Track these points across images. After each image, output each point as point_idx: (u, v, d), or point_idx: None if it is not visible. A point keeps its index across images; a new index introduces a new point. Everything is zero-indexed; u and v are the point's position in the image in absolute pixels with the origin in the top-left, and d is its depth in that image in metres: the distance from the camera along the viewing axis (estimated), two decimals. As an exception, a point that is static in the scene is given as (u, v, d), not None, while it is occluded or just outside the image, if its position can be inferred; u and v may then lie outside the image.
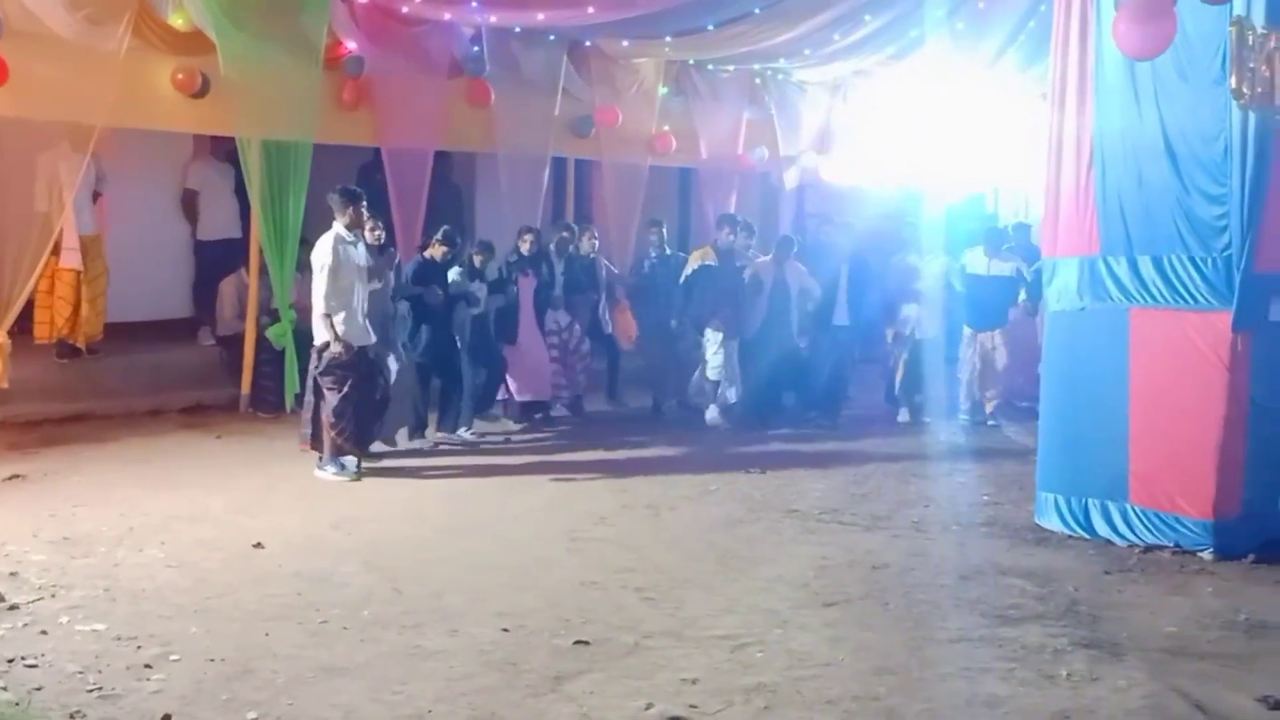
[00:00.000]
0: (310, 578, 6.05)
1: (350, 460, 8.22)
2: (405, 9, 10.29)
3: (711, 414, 10.53)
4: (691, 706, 4.62)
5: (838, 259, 10.93)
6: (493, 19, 10.77)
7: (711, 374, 10.50)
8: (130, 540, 6.58)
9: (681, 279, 10.46)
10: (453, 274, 9.34)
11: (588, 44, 11.98)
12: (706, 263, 10.40)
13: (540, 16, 10.59)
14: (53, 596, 5.64)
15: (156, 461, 8.45)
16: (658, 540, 6.99)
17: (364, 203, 8.32)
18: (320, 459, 8.16)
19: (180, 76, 9.17)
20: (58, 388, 9.60)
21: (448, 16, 10.64)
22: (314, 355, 8.19)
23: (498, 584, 6.05)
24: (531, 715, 4.53)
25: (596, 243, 10.97)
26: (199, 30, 9.16)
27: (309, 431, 8.32)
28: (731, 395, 10.53)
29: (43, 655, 4.92)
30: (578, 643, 5.24)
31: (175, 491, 7.60)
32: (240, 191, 10.38)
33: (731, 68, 13.34)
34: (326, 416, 8.09)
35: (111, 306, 10.37)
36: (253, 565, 6.24)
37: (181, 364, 10.55)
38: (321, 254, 8.03)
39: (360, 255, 8.23)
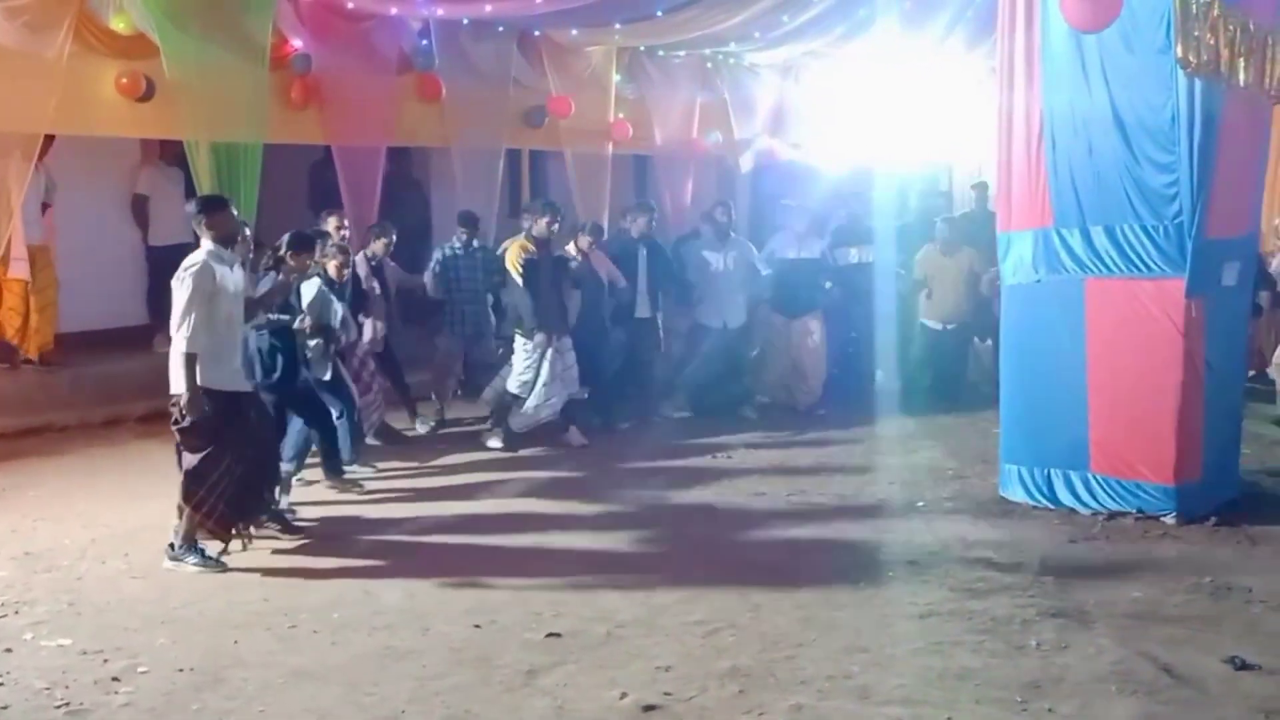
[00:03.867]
0: (277, 583, 6.01)
1: (213, 546, 6.32)
2: (351, 4, 10.19)
3: (497, 435, 9.14)
4: (666, 694, 4.63)
5: (633, 245, 10.04)
6: (440, 12, 10.69)
7: (514, 386, 9.10)
8: (93, 552, 6.50)
9: (519, 278, 8.98)
10: (310, 288, 7.74)
11: (537, 34, 11.92)
12: (528, 256, 9.05)
13: (488, 8, 10.51)
14: (16, 613, 5.56)
15: (116, 472, 8.34)
16: (625, 530, 6.98)
17: (231, 209, 6.65)
18: (172, 545, 6.30)
19: (124, 81, 9.03)
20: (13, 401, 9.45)
21: (394, 11, 10.55)
22: (174, 409, 6.26)
23: (466, 581, 6.02)
24: (506, 710, 4.52)
25: (389, 246, 9.44)
26: (142, 33, 9.02)
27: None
28: (554, 405, 9.07)
29: (8, 673, 4.86)
30: (550, 636, 5.24)
31: (137, 502, 7.50)
32: (191, 195, 10.24)
33: (683, 53, 13.32)
34: (182, 488, 6.29)
35: (65, 316, 10.23)
36: (219, 573, 6.18)
37: (138, 372, 10.37)
38: (187, 278, 6.17)
39: (237, 278, 6.44)
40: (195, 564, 6.23)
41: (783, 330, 10.65)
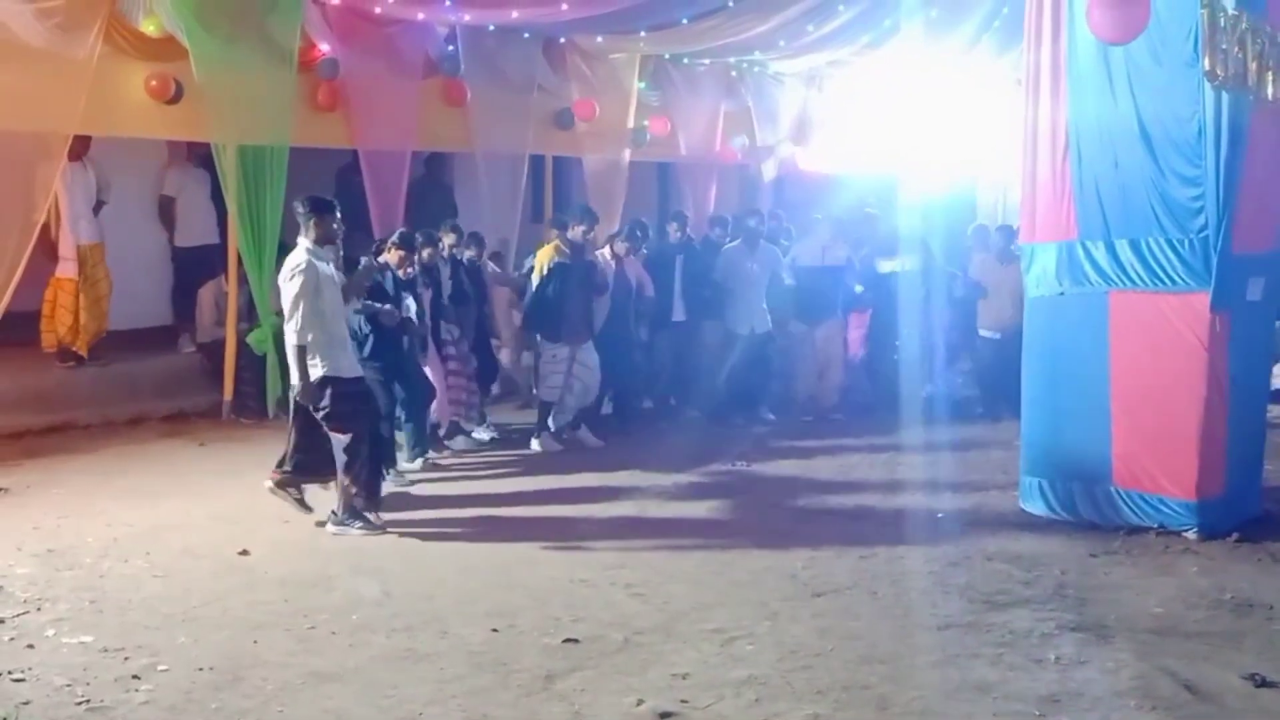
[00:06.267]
0: (297, 583, 6.04)
1: (372, 515, 7.09)
2: (378, 9, 10.25)
3: (543, 441, 9.25)
4: (683, 701, 4.63)
5: (670, 251, 10.37)
6: (466, 18, 10.75)
7: (546, 395, 9.29)
8: (115, 551, 6.55)
9: (535, 280, 9.23)
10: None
11: (562, 40, 11.96)
12: (560, 260, 9.20)
13: (514, 14, 10.56)
14: (39, 609, 5.60)
15: (139, 471, 8.39)
16: (644, 536, 6.99)
17: (336, 214, 7.08)
18: (336, 514, 7.01)
19: (153, 83, 9.11)
20: (37, 399, 9.53)
21: (421, 16, 10.61)
22: (312, 392, 6.87)
23: (486, 584, 6.04)
24: (523, 715, 4.53)
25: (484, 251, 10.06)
26: (171, 36, 9.11)
27: (291, 466, 7.15)
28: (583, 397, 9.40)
29: (30, 669, 4.89)
30: (568, 641, 5.24)
31: (159, 500, 7.56)
32: (217, 197, 10.34)
33: (707, 60, 13.34)
34: (341, 468, 6.97)
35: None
36: (239, 573, 6.22)
37: (162, 372, 10.50)
38: (296, 275, 6.80)
39: (332, 272, 7.04)
40: (361, 528, 6.95)
41: (805, 337, 10.73)
